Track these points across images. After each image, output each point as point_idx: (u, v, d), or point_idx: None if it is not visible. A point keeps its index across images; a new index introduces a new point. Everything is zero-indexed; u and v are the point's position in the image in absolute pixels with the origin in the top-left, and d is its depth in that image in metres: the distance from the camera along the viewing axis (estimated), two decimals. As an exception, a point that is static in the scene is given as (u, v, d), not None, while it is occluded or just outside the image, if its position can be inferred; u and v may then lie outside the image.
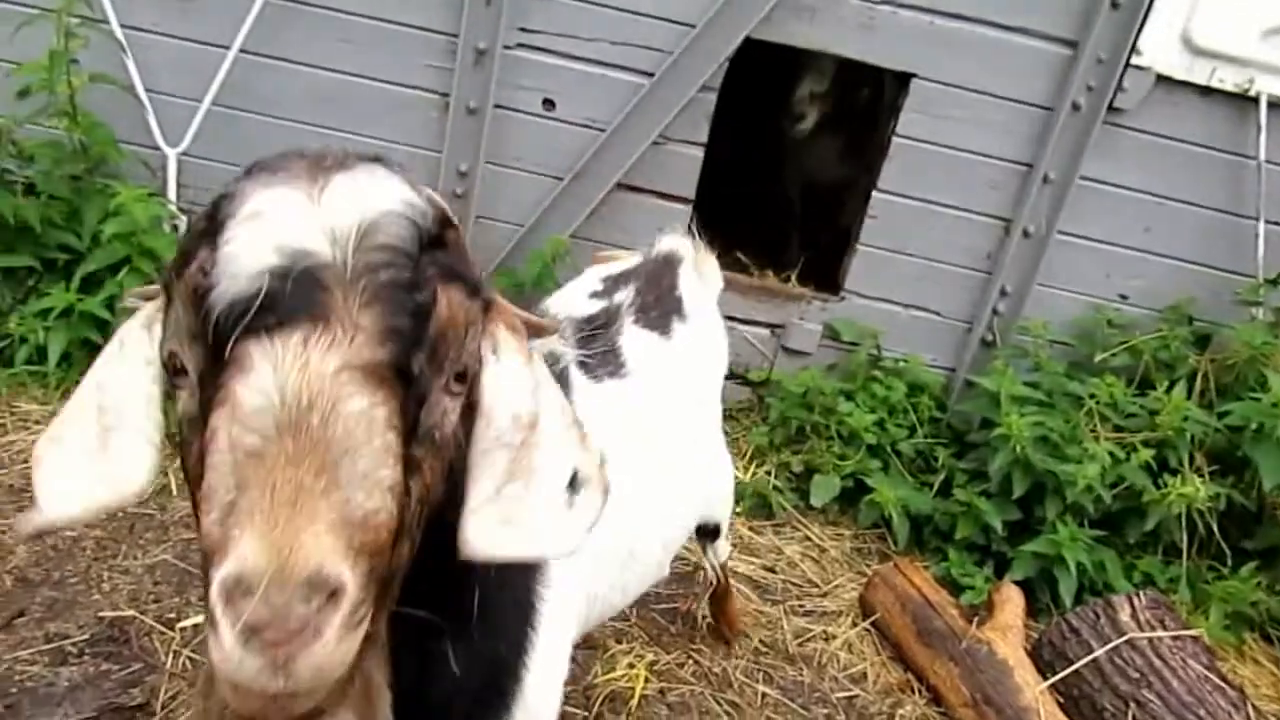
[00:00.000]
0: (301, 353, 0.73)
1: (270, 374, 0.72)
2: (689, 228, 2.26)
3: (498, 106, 3.17)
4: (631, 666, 2.45)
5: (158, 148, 3.08)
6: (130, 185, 2.86)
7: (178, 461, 0.89)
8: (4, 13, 2.97)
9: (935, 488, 3.07)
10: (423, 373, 0.81)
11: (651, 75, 3.11)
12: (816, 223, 4.10)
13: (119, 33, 3.00)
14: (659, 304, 1.89)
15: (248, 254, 0.76)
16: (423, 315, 0.80)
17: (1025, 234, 3.27)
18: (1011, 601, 2.71)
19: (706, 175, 3.30)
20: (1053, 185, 3.21)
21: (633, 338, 1.77)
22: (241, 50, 3.03)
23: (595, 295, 1.89)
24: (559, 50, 3.13)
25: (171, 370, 0.84)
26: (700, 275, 2.09)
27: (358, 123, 3.17)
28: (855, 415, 3.10)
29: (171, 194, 3.07)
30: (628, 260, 2.08)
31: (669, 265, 2.02)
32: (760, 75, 3.65)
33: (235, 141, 3.13)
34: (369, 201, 0.80)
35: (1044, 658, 2.57)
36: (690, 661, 2.54)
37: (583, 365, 1.62)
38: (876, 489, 2.99)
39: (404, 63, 3.13)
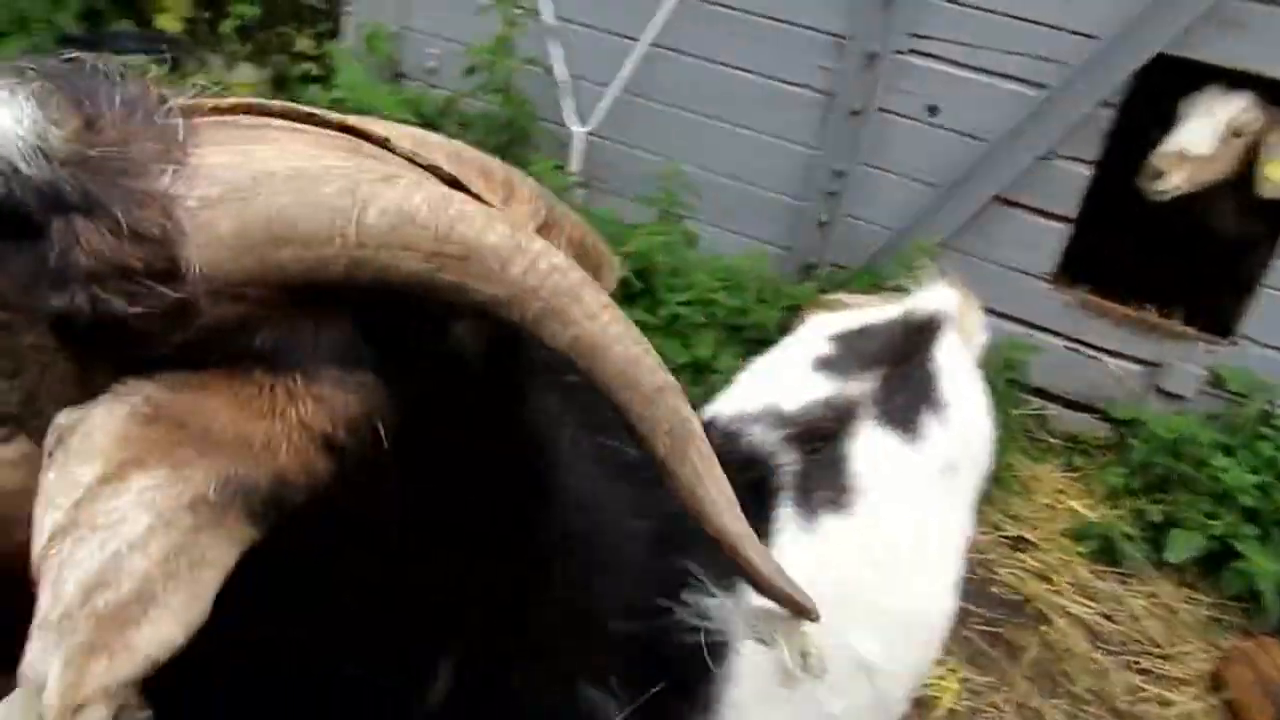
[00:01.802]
0: None
1: None
2: (942, 272, 1.68)
3: (881, 110, 3.26)
4: (942, 678, 2.46)
5: (569, 127, 3.50)
6: (543, 158, 3.29)
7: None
8: (462, 2, 3.53)
9: (1321, 569, 2.77)
10: None
11: (1043, 87, 3.06)
12: (1207, 260, 3.77)
13: (551, 21, 3.45)
14: (908, 391, 1.37)
15: None
16: None
17: None
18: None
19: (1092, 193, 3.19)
20: None
21: (869, 445, 1.27)
22: (651, 43, 3.37)
23: (824, 366, 1.40)
24: (949, 57, 3.16)
25: None
26: (963, 336, 1.56)
27: (742, 115, 3.40)
28: (1233, 473, 2.87)
29: (575, 167, 3.49)
30: (866, 309, 1.60)
31: (927, 332, 1.47)
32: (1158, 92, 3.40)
33: (636, 126, 3.49)
34: None
35: None
36: (1005, 688, 2.51)
37: (798, 490, 1.14)
38: (1248, 557, 2.76)
39: (792, 61, 3.31)
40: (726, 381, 1.55)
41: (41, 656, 0.46)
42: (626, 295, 3.10)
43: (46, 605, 0.47)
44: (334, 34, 3.92)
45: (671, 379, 0.61)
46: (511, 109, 3.40)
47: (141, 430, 0.50)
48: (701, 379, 2.91)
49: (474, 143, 3.06)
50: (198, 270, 0.52)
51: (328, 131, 0.65)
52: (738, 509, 0.64)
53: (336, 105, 3.19)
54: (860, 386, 1.32)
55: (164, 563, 0.48)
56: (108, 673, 0.46)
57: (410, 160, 0.66)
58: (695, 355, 3.00)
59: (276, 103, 0.68)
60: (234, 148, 0.57)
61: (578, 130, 3.50)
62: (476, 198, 0.62)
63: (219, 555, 0.50)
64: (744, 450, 1.10)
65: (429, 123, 3.22)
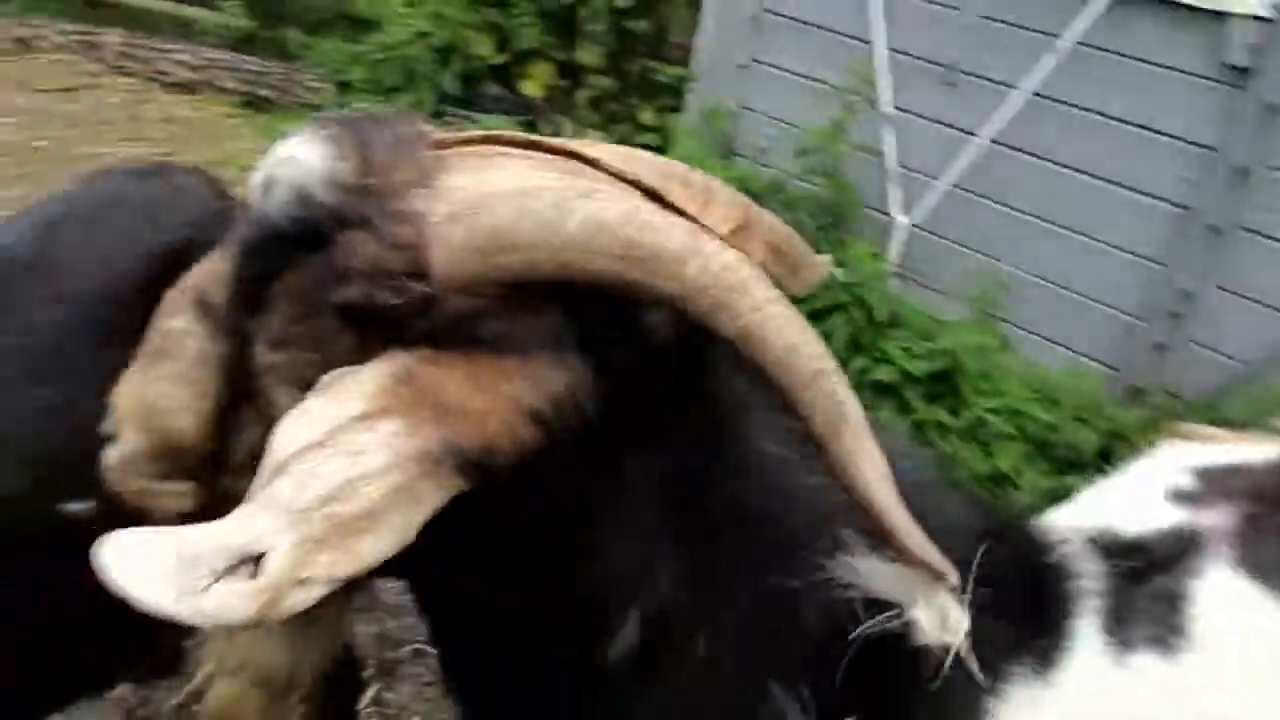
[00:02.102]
0: None
1: None
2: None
3: (1245, 229, 2.97)
4: None
5: (893, 215, 3.48)
6: (862, 243, 3.29)
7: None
8: (796, 84, 3.64)
9: None
10: None
11: None
12: None
13: (887, 110, 3.45)
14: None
15: None
16: None
17: None
18: None
19: None
20: None
21: (1215, 588, 1.03)
22: (992, 140, 3.29)
23: (1178, 498, 1.16)
24: (1339, 177, 2.83)
25: None
26: None
27: (1079, 220, 3.22)
28: None
29: (893, 257, 3.46)
30: (1238, 446, 1.32)
31: None
32: None
33: (962, 221, 3.41)
34: None
35: None
36: None
37: (1111, 614, 0.98)
38: None
39: (1150, 169, 3.09)
40: (1028, 499, 1.45)
41: (272, 533, 0.57)
42: (929, 394, 3.01)
43: (287, 496, 0.59)
44: (677, 109, 4.15)
45: (830, 363, 0.68)
46: (837, 193, 3.43)
47: (396, 388, 0.64)
48: (1001, 492, 2.75)
49: (795, 222, 3.10)
50: (439, 271, 0.66)
51: (551, 156, 0.77)
52: (890, 483, 0.68)
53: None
54: (1218, 520, 1.10)
55: (389, 495, 0.60)
56: (329, 566, 0.58)
57: (617, 176, 0.76)
58: (996, 466, 2.84)
59: (509, 133, 0.81)
60: (471, 173, 0.72)
61: (901, 220, 3.46)
62: (672, 206, 0.72)
63: (430, 499, 0.62)
64: (1054, 560, 0.98)
65: (755, 200, 3.31)
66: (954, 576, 0.70)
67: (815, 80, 3.56)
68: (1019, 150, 3.29)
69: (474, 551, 0.74)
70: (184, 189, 1.44)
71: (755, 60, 3.76)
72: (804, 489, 0.80)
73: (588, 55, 4.33)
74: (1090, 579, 0.98)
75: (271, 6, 5.38)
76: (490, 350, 0.66)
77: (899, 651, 0.75)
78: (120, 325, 1.20)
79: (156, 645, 1.40)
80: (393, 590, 2.16)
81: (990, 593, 0.80)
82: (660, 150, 4.03)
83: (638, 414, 0.73)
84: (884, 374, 3.02)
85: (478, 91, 4.76)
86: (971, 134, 3.33)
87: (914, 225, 3.46)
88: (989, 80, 3.30)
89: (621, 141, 4.38)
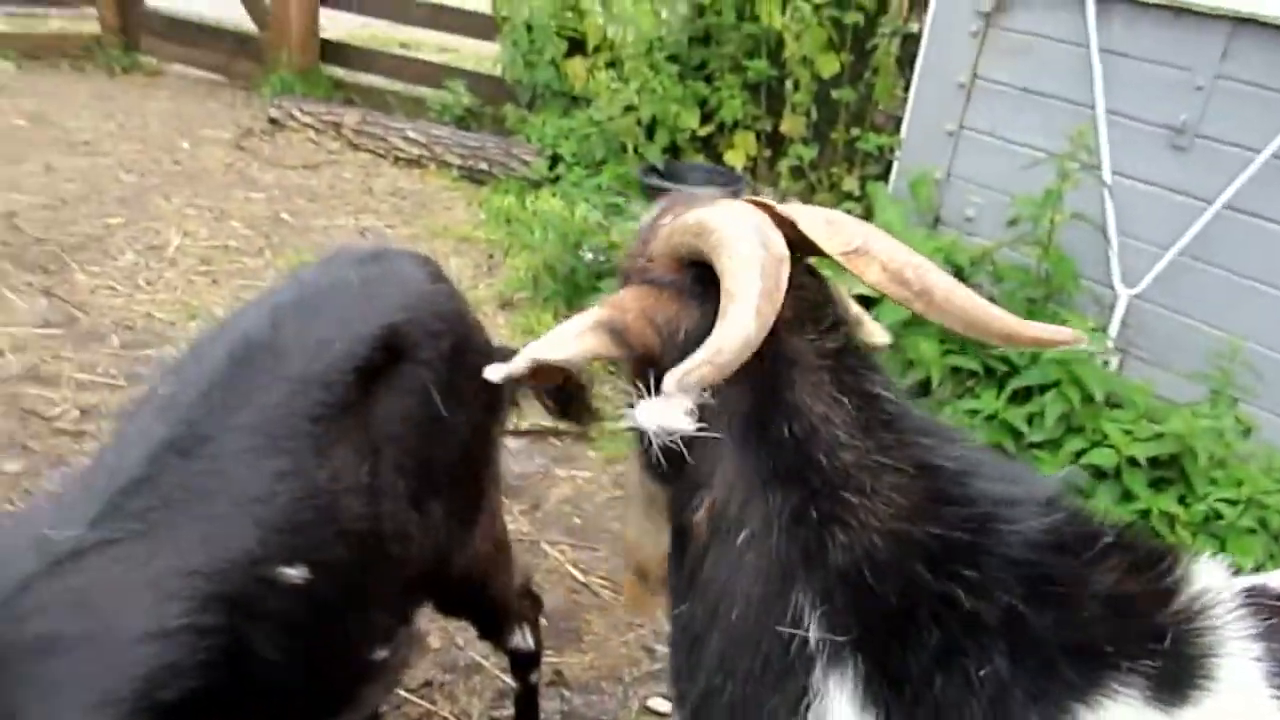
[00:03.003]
0: None
1: None
2: None
3: None
4: None
5: (1113, 286, 3.32)
6: (1081, 317, 3.15)
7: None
8: (1007, 150, 3.55)
9: None
10: None
11: None
12: None
13: (1108, 177, 3.32)
14: None
15: None
16: None
17: None
18: None
19: None
20: None
21: None
22: (1225, 205, 3.09)
23: None
24: None
25: None
26: None
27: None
28: None
29: (1113, 331, 3.29)
30: None
31: None
32: None
33: (1191, 293, 3.21)
34: None
35: None
36: None
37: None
38: None
39: None
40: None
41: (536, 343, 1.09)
42: (1154, 481, 2.82)
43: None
44: (880, 177, 4.14)
45: (751, 295, 1.03)
46: (1052, 264, 3.31)
47: (610, 298, 1.15)
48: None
49: (1005, 294, 2.99)
50: (651, 251, 1.18)
51: (748, 200, 1.17)
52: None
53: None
54: None
55: (574, 331, 1.08)
56: (542, 351, 1.07)
57: (771, 211, 1.12)
58: (1234, 564, 2.62)
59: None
60: (674, 208, 1.23)
61: (1123, 292, 3.30)
62: (802, 236, 1.08)
63: (590, 341, 1.08)
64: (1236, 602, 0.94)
65: (959, 271, 3.25)
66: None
67: (1028, 146, 3.48)
68: (1255, 215, 3.08)
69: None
70: (399, 273, 1.61)
71: (964, 126, 3.71)
72: (840, 442, 1.03)
73: (791, 125, 4.40)
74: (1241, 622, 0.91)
75: (492, 86, 5.78)
76: (653, 285, 1.14)
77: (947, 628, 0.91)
78: (338, 403, 1.35)
79: (348, 705, 1.51)
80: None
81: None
82: (864, 219, 4.03)
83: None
84: (1102, 458, 2.84)
85: (683, 163, 4.92)
86: (1202, 199, 3.15)
87: (1136, 297, 3.29)
88: (1222, 142, 3.12)
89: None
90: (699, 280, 1.10)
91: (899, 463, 1.01)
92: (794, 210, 1.11)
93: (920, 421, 1.08)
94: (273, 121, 5.98)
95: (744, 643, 1.03)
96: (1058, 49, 3.43)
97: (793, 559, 1.00)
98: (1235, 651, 0.90)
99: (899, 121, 4.04)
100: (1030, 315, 3.30)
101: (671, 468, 1.07)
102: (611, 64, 4.87)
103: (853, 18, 4.22)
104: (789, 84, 4.36)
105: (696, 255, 1.09)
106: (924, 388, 3.29)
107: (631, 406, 1.05)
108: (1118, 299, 3.31)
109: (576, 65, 5.13)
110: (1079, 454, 2.91)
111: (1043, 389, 3.04)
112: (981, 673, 0.89)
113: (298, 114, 5.92)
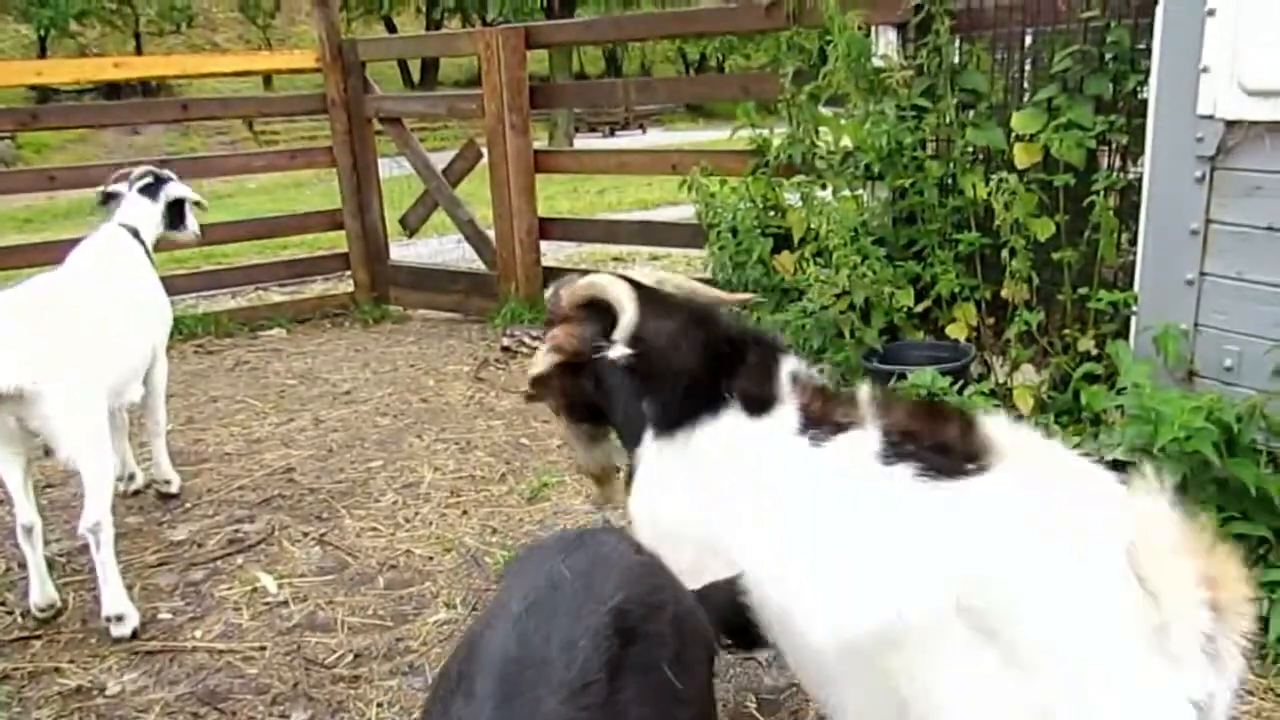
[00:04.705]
0: None
1: None
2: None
3: None
4: None
5: None
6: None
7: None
8: (1262, 294, 3.36)
9: None
10: None
11: None
12: None
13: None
14: None
15: None
16: None
17: None
18: None
19: None
20: None
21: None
22: None
23: None
24: None
25: None
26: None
27: None
28: None
29: None
30: None
31: None
32: None
33: None
34: None
35: None
36: None
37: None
38: None
39: None
40: None
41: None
42: None
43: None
44: (1120, 334, 4.00)
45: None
46: (1331, 409, 3.05)
47: (550, 333, 2.56)
48: None
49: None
50: (563, 305, 2.49)
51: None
52: None
53: (1121, 408, 3.23)
54: None
55: (543, 355, 2.51)
56: (535, 368, 2.48)
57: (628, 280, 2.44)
58: None
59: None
60: (565, 284, 2.55)
61: None
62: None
63: (553, 357, 2.46)
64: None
65: (1228, 429, 3.04)
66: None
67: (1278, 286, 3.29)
68: None
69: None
70: (607, 555, 1.71)
71: (1205, 273, 3.56)
72: (667, 346, 2.33)
73: (1012, 290, 4.35)
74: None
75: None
76: (569, 320, 2.43)
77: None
78: (600, 703, 1.43)
79: None
80: None
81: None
82: (1104, 379, 3.87)
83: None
84: None
85: (902, 342, 4.94)
86: None
87: None
88: None
89: (1062, 374, 4.27)
90: (589, 311, 2.40)
91: (690, 346, 2.30)
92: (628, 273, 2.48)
93: (703, 313, 2.39)
94: (505, 349, 6.52)
95: (634, 421, 2.37)
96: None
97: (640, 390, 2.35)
98: (788, 400, 2.13)
99: (1132, 275, 3.93)
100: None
101: (599, 404, 2.47)
102: (819, 254, 5.03)
103: (1062, 179, 4.21)
104: (1004, 252, 4.35)
105: (588, 299, 2.39)
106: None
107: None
108: None
109: (785, 259, 5.34)
110: None
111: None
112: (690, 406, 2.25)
113: (528, 340, 6.43)
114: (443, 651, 3.19)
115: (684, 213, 6.47)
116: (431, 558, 3.88)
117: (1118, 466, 3.13)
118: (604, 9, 29.64)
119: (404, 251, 8.85)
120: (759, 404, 2.13)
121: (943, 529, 1.67)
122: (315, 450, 5.07)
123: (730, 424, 2.15)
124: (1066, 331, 4.30)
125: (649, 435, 2.30)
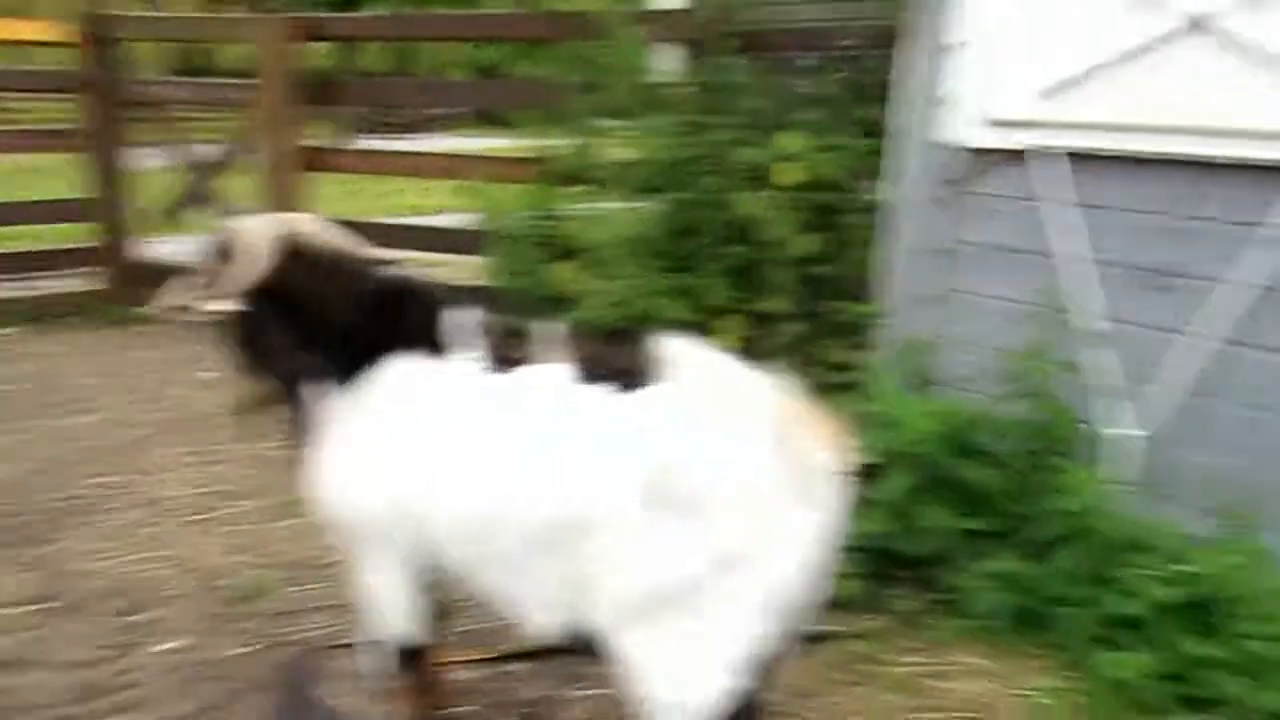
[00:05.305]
0: None
1: None
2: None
3: None
4: None
5: (1121, 432, 3.33)
6: (1080, 466, 3.16)
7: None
8: (995, 307, 3.65)
9: None
10: None
11: None
12: None
13: (1100, 324, 3.40)
14: None
15: None
16: None
17: None
18: None
19: None
20: None
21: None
22: (1226, 340, 3.16)
23: None
24: None
25: None
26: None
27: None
28: None
29: (1127, 474, 3.28)
30: None
31: None
32: None
33: (1197, 429, 3.22)
34: None
35: None
36: None
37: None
38: None
39: None
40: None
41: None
42: (1184, 626, 2.78)
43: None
44: (874, 346, 4.24)
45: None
46: (1052, 415, 3.34)
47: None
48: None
49: (1010, 450, 3.00)
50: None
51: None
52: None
53: (869, 415, 3.42)
54: None
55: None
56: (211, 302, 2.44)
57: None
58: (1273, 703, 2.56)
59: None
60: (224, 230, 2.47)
61: (1130, 436, 3.31)
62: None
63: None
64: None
65: (961, 430, 3.29)
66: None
67: (1014, 301, 3.59)
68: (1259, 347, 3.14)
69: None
70: None
71: (952, 289, 3.83)
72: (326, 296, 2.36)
73: (775, 304, 4.54)
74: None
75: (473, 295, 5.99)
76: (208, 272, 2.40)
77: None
78: None
79: None
80: None
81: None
82: (851, 388, 4.09)
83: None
84: (1131, 607, 2.82)
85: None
86: (1199, 336, 3.21)
87: (1145, 438, 3.30)
88: (1208, 280, 3.21)
89: (818, 383, 4.48)
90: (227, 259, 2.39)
91: (343, 298, 2.34)
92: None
93: (353, 265, 2.40)
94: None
95: (294, 375, 2.44)
96: (1033, 206, 3.57)
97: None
98: (468, 344, 2.29)
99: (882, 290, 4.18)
100: (1033, 468, 3.32)
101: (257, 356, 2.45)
102: (596, 264, 5.07)
103: (823, 197, 4.43)
104: (767, 266, 4.53)
105: (230, 247, 2.37)
106: (939, 557, 3.28)
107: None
108: (1127, 443, 3.31)
109: (562, 269, 5.35)
110: (1098, 605, 2.93)
111: (1050, 544, 3.05)
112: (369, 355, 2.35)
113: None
114: (170, 684, 2.97)
115: (462, 219, 6.37)
116: (168, 580, 3.61)
117: (871, 470, 3.35)
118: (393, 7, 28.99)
119: (159, 249, 8.29)
120: (434, 349, 2.29)
121: (627, 428, 1.97)
122: (40, 464, 4.63)
123: (406, 371, 2.30)
124: (825, 342, 4.52)
125: (315, 391, 2.37)
